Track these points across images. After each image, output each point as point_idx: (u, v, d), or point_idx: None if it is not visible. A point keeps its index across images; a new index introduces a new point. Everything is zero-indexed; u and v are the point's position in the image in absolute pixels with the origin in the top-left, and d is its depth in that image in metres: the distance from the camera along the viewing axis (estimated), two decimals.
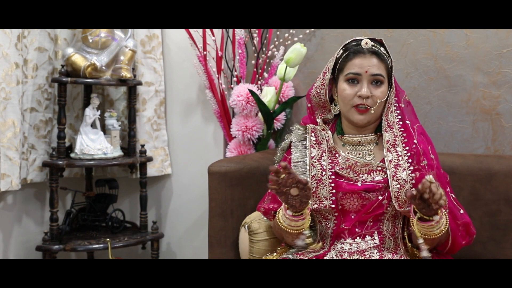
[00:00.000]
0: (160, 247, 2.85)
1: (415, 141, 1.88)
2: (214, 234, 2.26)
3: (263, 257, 2.00)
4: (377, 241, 1.87)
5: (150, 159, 2.78)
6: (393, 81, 1.92)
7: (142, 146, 2.75)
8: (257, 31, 2.75)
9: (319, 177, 1.89)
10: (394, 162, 1.86)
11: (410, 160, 1.86)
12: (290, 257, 1.90)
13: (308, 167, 1.92)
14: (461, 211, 1.88)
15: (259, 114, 2.63)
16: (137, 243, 2.71)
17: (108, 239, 2.61)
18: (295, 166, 1.94)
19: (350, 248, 1.87)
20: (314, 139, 1.96)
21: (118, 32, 2.67)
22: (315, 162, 1.92)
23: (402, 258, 1.84)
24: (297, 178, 1.73)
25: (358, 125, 1.90)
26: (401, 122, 1.92)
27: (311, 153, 1.94)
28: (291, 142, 2.02)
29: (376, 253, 1.85)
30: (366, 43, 1.88)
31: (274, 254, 1.98)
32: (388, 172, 1.86)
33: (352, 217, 1.89)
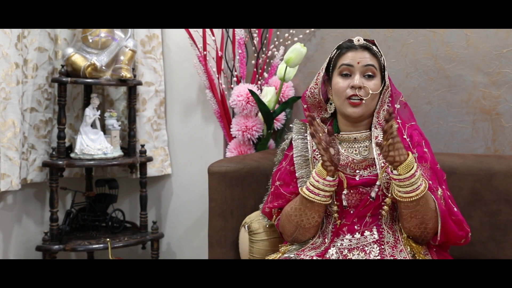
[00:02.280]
0: (160, 247, 2.85)
1: (404, 136, 1.90)
2: (214, 234, 2.26)
3: (266, 257, 2.00)
4: (376, 236, 1.88)
5: (150, 159, 2.78)
6: (386, 79, 1.94)
7: (142, 146, 2.75)
8: (257, 31, 2.75)
9: None
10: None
11: None
12: (292, 256, 1.90)
13: (310, 161, 1.95)
14: (455, 209, 1.89)
15: (259, 114, 2.63)
16: (137, 243, 2.71)
17: (108, 239, 2.61)
18: (297, 160, 1.97)
19: (350, 244, 1.88)
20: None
21: (118, 32, 2.68)
22: (317, 155, 1.95)
23: (402, 252, 1.84)
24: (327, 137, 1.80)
25: (352, 118, 1.91)
26: None
27: (312, 147, 1.97)
28: (291, 140, 2.03)
29: (376, 247, 1.86)
30: (358, 40, 1.92)
31: (278, 254, 1.97)
32: (377, 162, 1.87)
33: (351, 212, 1.89)
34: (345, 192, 1.87)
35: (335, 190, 1.87)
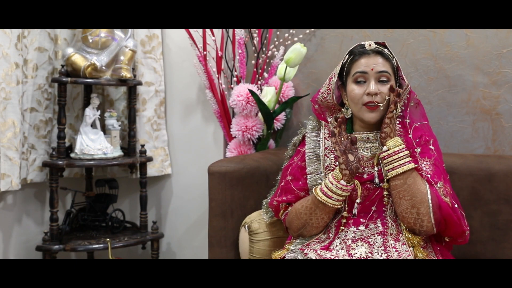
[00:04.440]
0: (160, 247, 2.85)
1: (409, 135, 1.92)
2: (214, 234, 2.26)
3: (272, 255, 2.01)
4: (380, 228, 1.90)
5: (150, 159, 2.78)
6: (405, 80, 1.95)
7: (142, 146, 2.75)
8: (257, 31, 2.75)
9: (333, 167, 1.95)
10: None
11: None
12: (297, 250, 1.91)
13: (321, 157, 1.97)
14: (456, 205, 1.89)
15: (259, 114, 2.63)
16: (137, 243, 2.71)
17: (108, 239, 2.61)
18: (308, 156, 1.99)
19: (354, 236, 1.89)
20: (328, 132, 2.00)
21: (118, 32, 2.67)
22: (329, 153, 1.97)
23: (404, 245, 1.85)
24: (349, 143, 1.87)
25: (371, 123, 1.93)
26: (400, 119, 1.96)
27: (324, 144, 1.98)
28: (303, 136, 2.06)
29: (380, 239, 1.87)
30: (370, 45, 1.93)
31: (281, 250, 1.99)
32: (379, 161, 1.90)
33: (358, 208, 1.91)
34: (358, 201, 1.89)
35: (348, 196, 1.89)
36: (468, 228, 1.89)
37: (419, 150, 1.91)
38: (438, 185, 1.87)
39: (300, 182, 1.99)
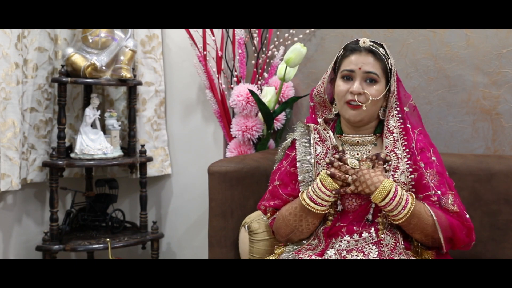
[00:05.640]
0: (160, 247, 2.85)
1: (413, 144, 1.89)
2: (214, 234, 2.26)
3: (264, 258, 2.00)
4: (374, 237, 1.87)
5: (150, 159, 2.78)
6: (392, 86, 1.91)
7: (142, 146, 2.75)
8: (257, 31, 2.75)
9: None
10: (394, 165, 1.87)
11: (409, 162, 1.87)
12: (290, 256, 1.90)
13: (313, 165, 1.94)
14: (467, 215, 1.88)
15: (259, 114, 2.63)
16: (137, 243, 2.71)
17: (108, 239, 2.61)
18: (300, 162, 1.96)
19: (348, 245, 1.87)
20: (318, 136, 1.98)
21: (118, 32, 2.67)
22: (320, 159, 1.94)
23: (401, 256, 1.84)
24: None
25: (351, 122, 1.90)
26: (402, 126, 1.92)
27: (315, 151, 1.95)
28: (292, 140, 2.03)
29: (375, 249, 1.84)
30: (364, 42, 1.89)
31: (275, 256, 1.97)
32: (386, 174, 1.87)
33: (350, 217, 1.89)
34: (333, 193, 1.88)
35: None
36: (474, 238, 1.90)
37: (423, 165, 1.88)
38: (450, 199, 1.85)
39: (289, 188, 1.97)
